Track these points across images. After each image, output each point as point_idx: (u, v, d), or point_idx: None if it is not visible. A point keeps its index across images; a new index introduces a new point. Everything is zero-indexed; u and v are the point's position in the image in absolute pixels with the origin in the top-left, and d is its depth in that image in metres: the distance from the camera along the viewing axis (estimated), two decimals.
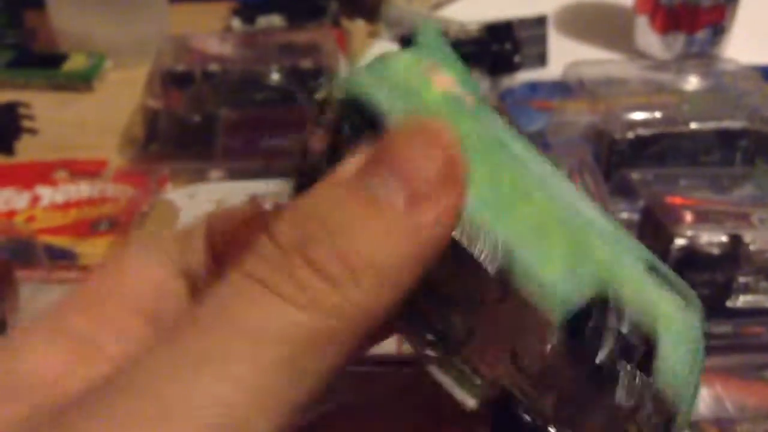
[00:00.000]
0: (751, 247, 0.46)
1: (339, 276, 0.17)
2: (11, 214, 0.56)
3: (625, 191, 0.53)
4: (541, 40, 0.74)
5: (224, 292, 0.18)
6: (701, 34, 0.73)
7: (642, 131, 0.55)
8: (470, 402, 0.20)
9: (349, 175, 0.18)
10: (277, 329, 0.17)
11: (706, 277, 0.46)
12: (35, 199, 0.58)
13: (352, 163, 0.19)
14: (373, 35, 0.82)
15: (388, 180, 0.18)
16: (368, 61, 0.21)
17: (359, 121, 0.20)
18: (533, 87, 0.70)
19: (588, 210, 0.21)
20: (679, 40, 0.73)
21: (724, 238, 0.46)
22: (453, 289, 0.19)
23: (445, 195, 0.18)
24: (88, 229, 0.55)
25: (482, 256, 0.19)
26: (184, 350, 0.17)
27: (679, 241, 0.46)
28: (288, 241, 0.18)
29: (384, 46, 0.79)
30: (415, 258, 0.18)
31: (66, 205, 0.57)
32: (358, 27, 0.84)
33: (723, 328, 0.46)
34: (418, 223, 0.18)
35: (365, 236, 0.18)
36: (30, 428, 0.17)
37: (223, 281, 0.18)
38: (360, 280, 0.17)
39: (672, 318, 0.20)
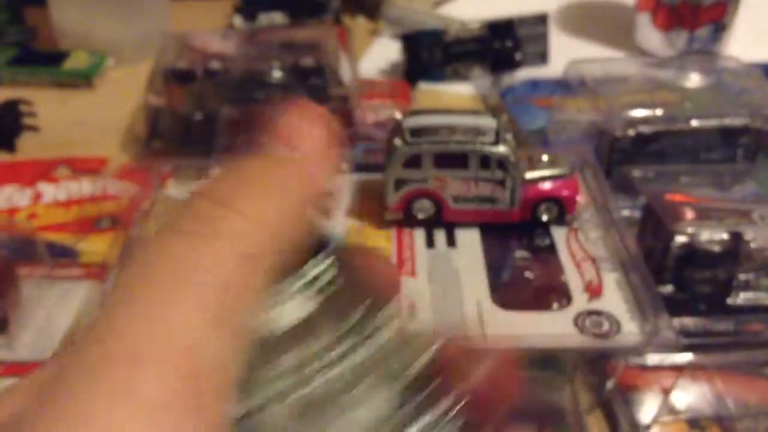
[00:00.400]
0: (752, 245, 0.46)
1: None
2: (13, 211, 0.56)
3: (626, 189, 0.53)
4: (542, 38, 0.74)
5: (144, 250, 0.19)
6: (703, 32, 0.73)
7: (643, 129, 0.55)
8: None
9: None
10: (209, 267, 0.18)
11: (707, 274, 0.46)
12: (37, 196, 0.58)
13: None
14: (374, 33, 0.82)
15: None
16: None
17: None
18: (534, 84, 0.70)
19: None
20: (680, 38, 0.73)
21: (724, 236, 0.46)
22: None
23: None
24: (89, 226, 0.55)
25: None
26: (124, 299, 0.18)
27: (680, 239, 0.46)
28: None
29: (385, 44, 0.80)
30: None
31: (67, 203, 0.57)
32: (359, 25, 0.84)
33: (724, 325, 0.46)
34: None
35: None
36: None
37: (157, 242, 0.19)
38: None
39: None
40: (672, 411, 0.42)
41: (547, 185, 0.47)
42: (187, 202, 0.20)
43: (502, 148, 0.46)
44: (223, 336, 0.18)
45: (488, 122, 0.46)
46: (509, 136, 0.47)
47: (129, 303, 0.18)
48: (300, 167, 0.22)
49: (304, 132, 0.23)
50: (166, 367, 0.16)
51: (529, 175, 0.47)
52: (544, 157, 0.48)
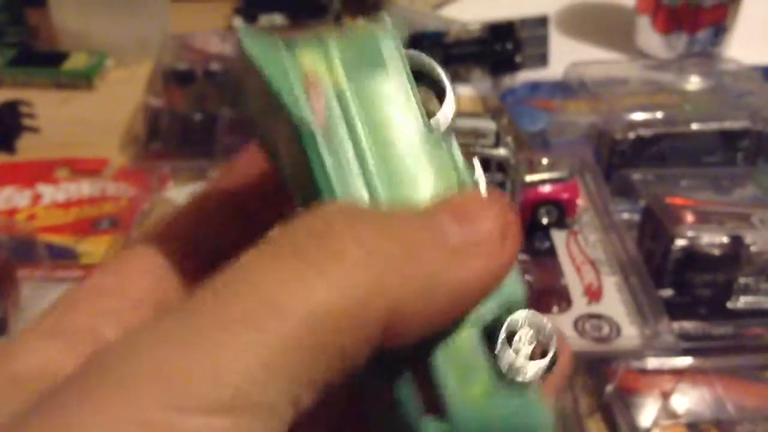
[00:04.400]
0: (752, 248, 0.46)
1: (383, 251, 0.16)
2: (12, 212, 0.56)
3: (625, 192, 0.53)
4: (543, 40, 0.74)
5: (248, 258, 0.16)
6: (703, 34, 0.73)
7: (643, 131, 0.55)
8: None
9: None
10: (303, 302, 0.16)
11: (707, 278, 0.46)
12: (36, 198, 0.58)
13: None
14: None
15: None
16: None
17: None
18: (534, 87, 0.70)
19: None
20: (680, 40, 0.73)
21: (724, 239, 0.46)
22: None
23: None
24: (89, 227, 0.55)
25: None
26: (197, 318, 0.16)
27: (680, 242, 0.46)
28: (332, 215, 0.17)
29: None
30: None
31: (67, 204, 0.57)
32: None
33: (723, 329, 0.46)
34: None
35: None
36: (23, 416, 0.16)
37: (249, 250, 0.17)
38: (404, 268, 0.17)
39: None
40: (672, 414, 0.42)
41: (547, 188, 0.47)
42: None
43: (502, 151, 0.46)
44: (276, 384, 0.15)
45: (488, 125, 0.46)
46: (509, 139, 0.47)
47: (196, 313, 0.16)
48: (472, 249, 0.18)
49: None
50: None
51: (529, 178, 0.47)
52: (544, 161, 0.48)
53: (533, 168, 0.48)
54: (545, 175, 0.48)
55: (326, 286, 0.16)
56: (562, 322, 0.41)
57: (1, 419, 0.16)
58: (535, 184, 0.47)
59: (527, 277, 0.45)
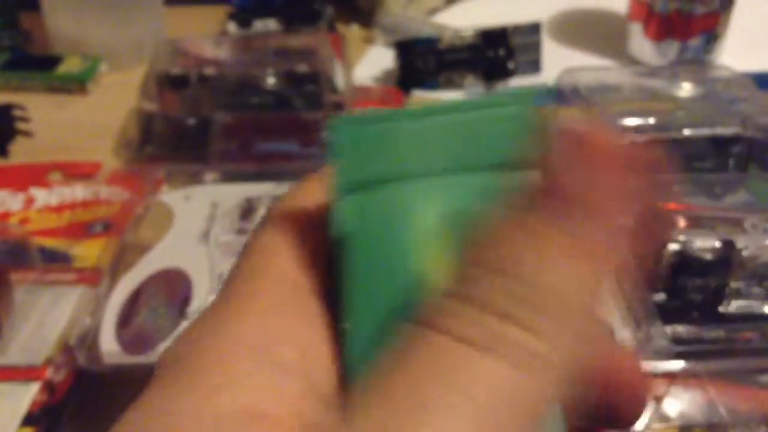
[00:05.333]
0: (744, 253, 0.46)
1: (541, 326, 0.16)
2: (5, 215, 0.56)
3: None
4: (535, 47, 0.74)
5: (424, 351, 0.16)
6: (695, 42, 0.73)
7: (635, 137, 0.56)
8: None
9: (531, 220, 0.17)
10: (488, 385, 0.15)
11: (699, 282, 0.47)
12: (29, 201, 0.57)
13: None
14: (368, 41, 0.82)
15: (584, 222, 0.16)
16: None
17: None
18: None
19: None
20: (672, 48, 0.74)
21: (717, 244, 0.46)
22: None
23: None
24: (82, 231, 0.55)
25: None
26: (397, 404, 0.15)
27: (673, 247, 0.46)
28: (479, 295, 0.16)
29: (379, 52, 0.80)
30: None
31: (60, 207, 0.57)
32: (353, 32, 0.84)
33: (715, 333, 0.46)
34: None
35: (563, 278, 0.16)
36: None
37: (415, 339, 0.16)
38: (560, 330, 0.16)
39: None
40: (664, 418, 0.42)
41: None
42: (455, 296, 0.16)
43: None
44: None
45: None
46: None
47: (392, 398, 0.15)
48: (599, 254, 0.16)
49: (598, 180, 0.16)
50: None
51: None
52: None
53: None
54: None
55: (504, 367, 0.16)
56: None
57: None
58: None
59: None
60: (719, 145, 0.57)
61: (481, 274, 0.16)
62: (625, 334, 0.41)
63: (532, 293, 0.16)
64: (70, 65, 0.74)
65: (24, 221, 0.56)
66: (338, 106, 0.66)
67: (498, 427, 0.15)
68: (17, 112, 0.67)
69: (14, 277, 0.48)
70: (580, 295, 0.16)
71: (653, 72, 0.70)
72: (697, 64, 0.73)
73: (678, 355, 0.44)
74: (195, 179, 0.59)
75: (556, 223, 0.16)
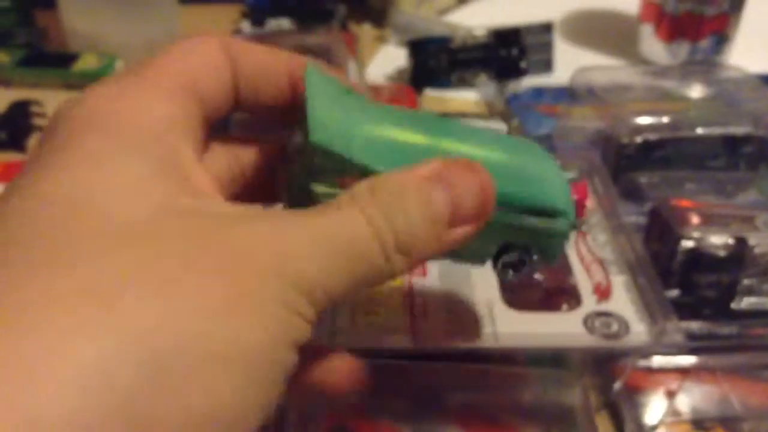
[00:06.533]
0: (756, 250, 0.47)
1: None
2: None
3: (631, 194, 0.54)
4: (547, 47, 0.75)
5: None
6: (705, 43, 0.74)
7: (649, 136, 0.56)
8: None
9: (424, 172, 0.26)
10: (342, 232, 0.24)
11: (712, 278, 0.47)
12: None
13: (429, 166, 0.26)
14: (380, 40, 0.83)
15: (443, 194, 0.26)
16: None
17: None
18: (539, 92, 0.71)
19: None
20: (683, 48, 0.74)
21: (730, 241, 0.47)
22: None
23: (472, 224, 0.27)
24: None
25: None
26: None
27: (686, 243, 0.46)
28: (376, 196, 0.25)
29: (391, 51, 0.80)
30: (433, 251, 0.26)
31: None
32: (365, 31, 0.85)
33: (728, 329, 0.46)
34: (448, 236, 0.26)
35: (416, 225, 0.25)
36: None
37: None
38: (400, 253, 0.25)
39: None
40: (677, 412, 0.42)
41: None
42: None
43: None
44: None
45: (499, 126, 0.47)
46: None
47: None
48: (446, 231, 0.27)
49: (466, 194, 0.27)
50: None
51: None
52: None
53: None
54: None
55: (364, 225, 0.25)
56: (572, 319, 0.42)
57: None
58: None
59: (537, 276, 0.46)
60: (730, 144, 0.58)
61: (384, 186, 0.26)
62: (640, 328, 0.42)
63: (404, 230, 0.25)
64: (86, 63, 0.75)
65: None
66: None
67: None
68: (34, 108, 0.68)
69: None
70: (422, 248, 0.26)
71: (664, 72, 0.70)
72: (707, 64, 0.73)
73: (691, 351, 0.45)
74: None
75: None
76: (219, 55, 0.28)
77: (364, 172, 0.27)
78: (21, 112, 0.67)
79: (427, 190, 0.25)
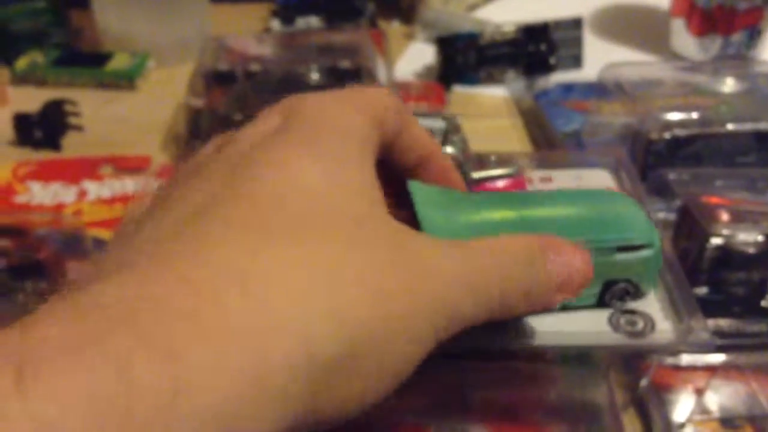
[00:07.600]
0: None
1: None
2: (60, 207, 0.58)
3: (660, 191, 0.53)
4: (577, 42, 0.75)
5: None
6: (737, 37, 0.73)
7: (679, 132, 0.56)
8: None
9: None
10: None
11: (742, 276, 0.47)
12: (82, 194, 0.59)
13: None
14: (409, 37, 0.83)
15: (557, 264, 0.29)
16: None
17: None
18: (568, 88, 0.71)
19: None
20: (715, 43, 0.73)
21: (759, 238, 0.46)
22: None
23: (570, 294, 0.30)
24: None
25: None
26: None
27: (715, 240, 0.46)
28: None
29: (420, 47, 0.81)
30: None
31: (112, 200, 0.59)
32: (394, 28, 0.85)
33: (757, 326, 0.46)
34: (552, 298, 0.30)
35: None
36: None
37: None
38: None
39: None
40: (705, 410, 0.42)
41: (499, 184, 0.48)
42: None
43: (449, 149, 0.48)
44: None
45: (437, 124, 0.48)
46: (457, 138, 0.48)
47: None
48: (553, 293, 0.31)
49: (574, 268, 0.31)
50: None
51: (477, 175, 0.48)
52: (493, 158, 0.49)
53: (483, 166, 0.49)
54: (492, 172, 0.48)
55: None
56: (597, 316, 0.42)
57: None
58: (482, 181, 0.48)
59: None
60: (762, 140, 0.57)
61: None
62: (665, 326, 0.41)
63: None
64: (119, 62, 0.76)
65: (77, 213, 0.57)
66: None
67: None
68: (69, 107, 0.69)
69: (69, 266, 0.50)
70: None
71: (696, 67, 0.70)
72: (739, 59, 0.73)
73: (719, 349, 0.44)
74: None
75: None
76: (397, 105, 0.32)
77: None
78: (55, 111, 0.68)
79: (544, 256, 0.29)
